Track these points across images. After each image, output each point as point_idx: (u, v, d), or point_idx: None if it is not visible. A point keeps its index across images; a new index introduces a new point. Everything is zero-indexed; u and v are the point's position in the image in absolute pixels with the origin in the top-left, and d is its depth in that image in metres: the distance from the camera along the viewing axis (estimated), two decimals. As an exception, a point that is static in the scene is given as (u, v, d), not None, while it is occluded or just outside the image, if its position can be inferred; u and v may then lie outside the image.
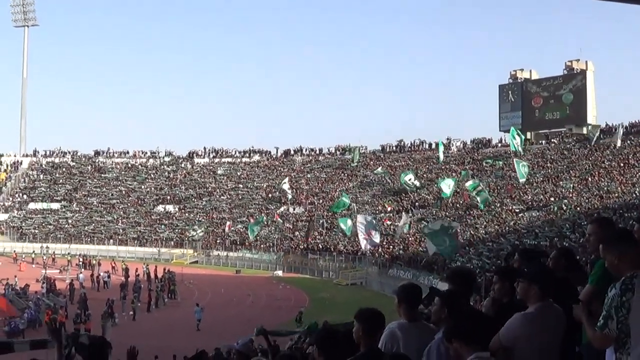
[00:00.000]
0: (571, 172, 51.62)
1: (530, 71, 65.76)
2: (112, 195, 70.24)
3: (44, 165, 76.19)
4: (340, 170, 67.84)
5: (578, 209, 43.16)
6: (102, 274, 44.52)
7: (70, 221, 65.96)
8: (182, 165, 75.29)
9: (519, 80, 64.87)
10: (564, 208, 44.06)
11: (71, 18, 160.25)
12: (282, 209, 61.76)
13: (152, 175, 73.55)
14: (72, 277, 43.00)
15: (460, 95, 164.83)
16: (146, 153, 77.52)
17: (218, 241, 58.61)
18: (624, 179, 46.45)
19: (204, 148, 77.38)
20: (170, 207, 66.62)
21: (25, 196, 70.69)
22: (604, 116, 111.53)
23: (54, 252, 56.37)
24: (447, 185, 51.52)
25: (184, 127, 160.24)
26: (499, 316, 4.26)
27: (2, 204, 69.88)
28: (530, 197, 48.75)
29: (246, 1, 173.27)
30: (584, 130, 59.52)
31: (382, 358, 4.04)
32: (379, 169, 62.38)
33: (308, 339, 14.04)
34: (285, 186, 61.84)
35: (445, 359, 3.91)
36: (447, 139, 65.48)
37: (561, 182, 49.79)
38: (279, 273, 50.09)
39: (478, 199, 48.38)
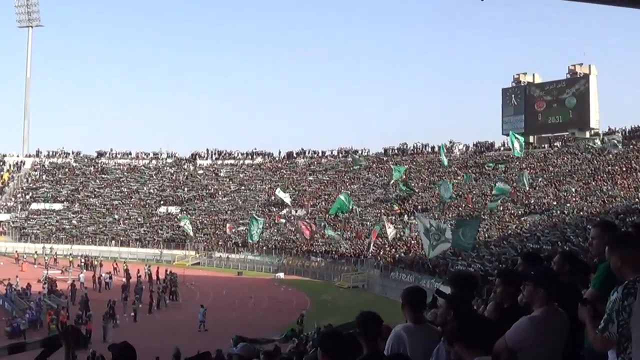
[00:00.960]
0: (574, 176, 51.57)
1: (534, 75, 65.77)
2: (114, 196, 70.28)
3: (46, 166, 76.25)
4: (343, 173, 67.83)
5: (581, 213, 43.11)
6: (103, 274, 44.52)
7: (72, 222, 66.04)
8: (185, 166, 75.33)
9: (522, 84, 64.86)
10: (567, 212, 44.02)
11: (75, 19, 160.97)
12: (284, 211, 61.72)
13: (154, 177, 73.61)
14: (73, 278, 43.01)
15: (463, 98, 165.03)
16: (149, 154, 77.52)
17: (220, 243, 58.63)
18: (627, 183, 46.45)
19: (207, 150, 77.56)
20: (172, 209, 66.68)
21: (27, 196, 70.78)
22: (607, 120, 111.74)
23: (55, 253, 56.42)
24: (445, 189, 51.25)
25: (186, 129, 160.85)
26: (501, 320, 4.26)
27: (4, 204, 69.95)
28: (533, 201, 48.70)
29: (252, 2, 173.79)
30: (587, 135, 59.44)
31: (383, 360, 4.05)
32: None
33: (311, 342, 14.06)
34: (280, 194, 61.53)
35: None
36: (450, 142, 65.50)
37: (564, 186, 49.74)
38: (281, 275, 50.05)
39: (491, 204, 47.96)
